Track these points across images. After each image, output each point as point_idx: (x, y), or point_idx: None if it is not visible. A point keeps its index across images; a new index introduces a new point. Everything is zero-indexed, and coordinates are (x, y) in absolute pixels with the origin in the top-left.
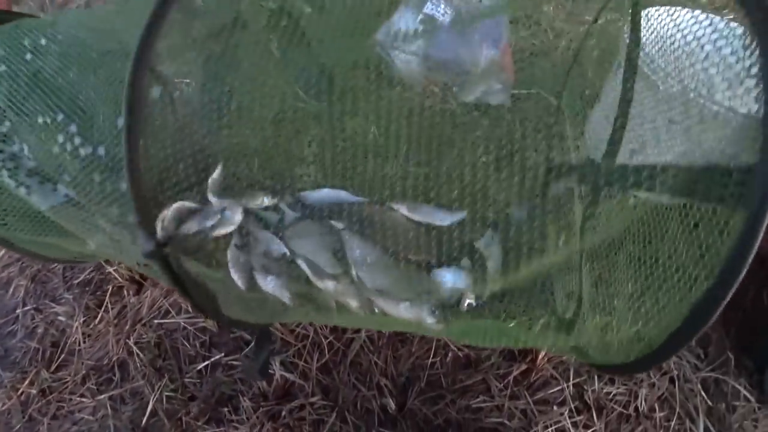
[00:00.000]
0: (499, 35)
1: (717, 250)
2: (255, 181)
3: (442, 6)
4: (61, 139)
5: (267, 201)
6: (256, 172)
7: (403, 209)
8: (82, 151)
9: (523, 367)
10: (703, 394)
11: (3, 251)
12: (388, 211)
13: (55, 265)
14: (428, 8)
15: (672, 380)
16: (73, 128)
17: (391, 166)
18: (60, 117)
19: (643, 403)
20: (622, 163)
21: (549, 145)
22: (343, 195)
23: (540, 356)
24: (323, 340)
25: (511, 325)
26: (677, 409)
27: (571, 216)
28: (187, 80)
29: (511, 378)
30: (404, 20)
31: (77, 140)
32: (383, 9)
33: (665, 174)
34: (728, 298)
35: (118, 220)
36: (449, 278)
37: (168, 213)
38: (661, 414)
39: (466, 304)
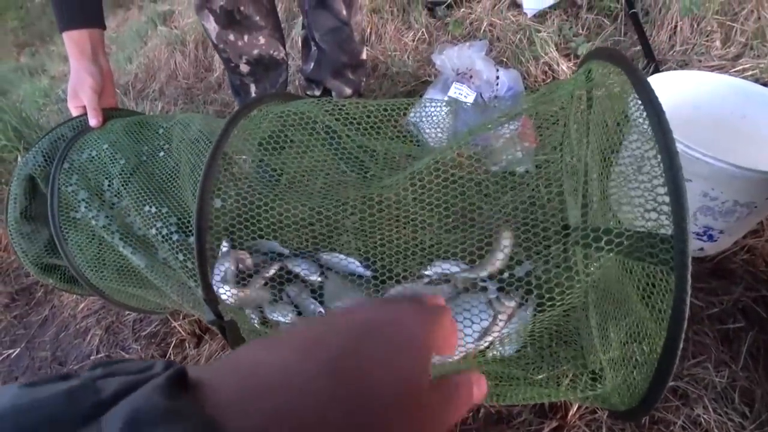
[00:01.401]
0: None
1: (663, 305)
2: (302, 248)
3: (465, 89)
4: (159, 224)
5: (311, 270)
6: (302, 240)
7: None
8: (175, 237)
9: (554, 424)
10: None
11: (83, 304)
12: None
13: (127, 317)
14: (453, 92)
15: None
16: (173, 219)
17: (425, 234)
18: (164, 209)
19: None
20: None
21: (562, 208)
22: (352, 266)
23: (571, 413)
24: None
25: (539, 377)
26: None
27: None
28: (244, 156)
29: None
30: (432, 101)
31: (173, 228)
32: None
33: (619, 237)
34: (679, 349)
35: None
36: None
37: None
38: None
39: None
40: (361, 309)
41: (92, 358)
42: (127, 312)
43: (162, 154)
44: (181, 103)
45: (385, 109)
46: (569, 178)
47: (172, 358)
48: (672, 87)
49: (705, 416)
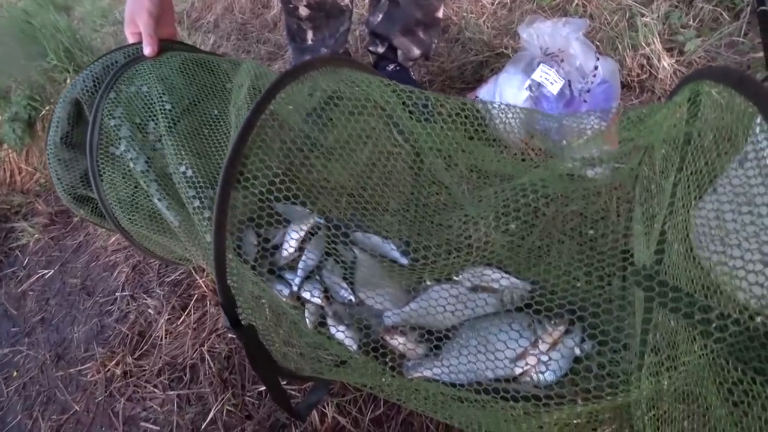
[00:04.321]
0: (608, 107)
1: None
2: (339, 220)
3: (553, 74)
4: (192, 193)
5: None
6: (342, 211)
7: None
8: (206, 214)
9: None
10: None
11: (114, 238)
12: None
13: (154, 260)
14: (537, 75)
15: None
16: (209, 193)
17: (477, 231)
18: (200, 179)
19: None
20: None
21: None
22: (389, 249)
23: None
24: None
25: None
26: None
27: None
28: (291, 106)
29: None
30: (511, 82)
31: (206, 203)
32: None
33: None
34: None
35: None
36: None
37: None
38: None
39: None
40: None
41: (117, 294)
42: None
43: (216, 112)
44: (234, 39)
45: (452, 107)
46: (640, 204)
47: (192, 312)
48: None
49: None
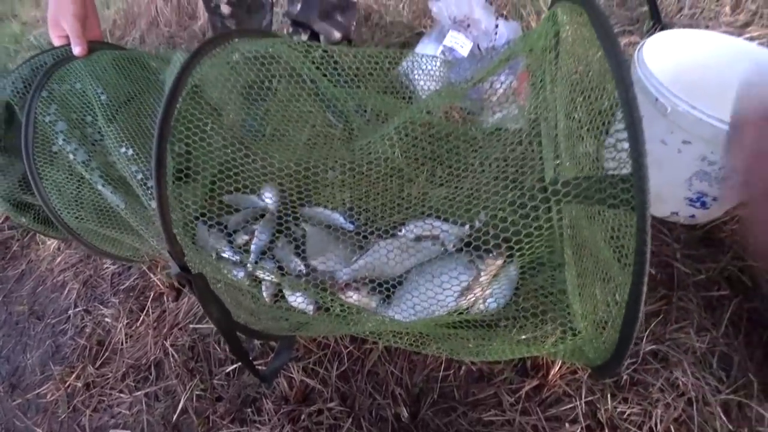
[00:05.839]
0: (516, 63)
1: (627, 248)
2: (284, 201)
3: (461, 38)
4: (134, 168)
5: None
6: (286, 193)
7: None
8: (150, 183)
9: (535, 382)
10: (723, 417)
11: (60, 258)
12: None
13: (105, 271)
14: (448, 41)
15: (690, 402)
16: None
17: (412, 188)
18: (143, 154)
19: (659, 424)
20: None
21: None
22: (334, 218)
23: (552, 372)
24: (343, 349)
25: (523, 337)
26: None
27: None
28: (230, 105)
29: (522, 393)
30: (426, 51)
31: (149, 174)
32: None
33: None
34: (644, 292)
35: None
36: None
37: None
38: None
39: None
40: None
41: (70, 312)
42: (105, 265)
43: (152, 102)
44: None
45: (377, 58)
46: (546, 134)
47: (151, 311)
48: (679, 46)
49: (683, 379)
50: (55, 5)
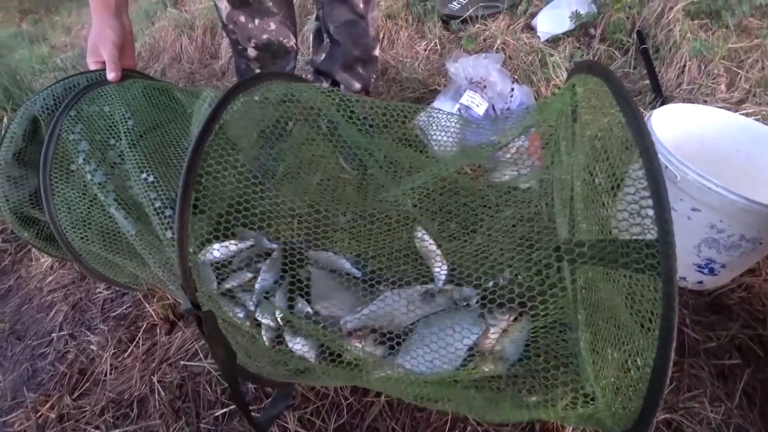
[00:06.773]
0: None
1: (649, 312)
2: (292, 242)
3: (477, 98)
4: (153, 195)
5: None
6: (294, 233)
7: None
8: (168, 213)
9: None
10: None
11: (51, 277)
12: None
13: (97, 296)
14: (465, 99)
15: None
16: (172, 195)
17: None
18: (162, 182)
19: None
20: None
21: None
22: (342, 264)
23: None
24: (343, 401)
25: (532, 399)
26: None
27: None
28: (245, 144)
29: None
30: (443, 107)
31: (168, 203)
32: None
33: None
34: (671, 358)
35: None
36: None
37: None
38: None
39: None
40: None
41: (54, 335)
42: (98, 290)
43: (178, 133)
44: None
45: (393, 110)
46: (559, 196)
47: (141, 343)
48: (679, 119)
49: None
50: (97, 32)
